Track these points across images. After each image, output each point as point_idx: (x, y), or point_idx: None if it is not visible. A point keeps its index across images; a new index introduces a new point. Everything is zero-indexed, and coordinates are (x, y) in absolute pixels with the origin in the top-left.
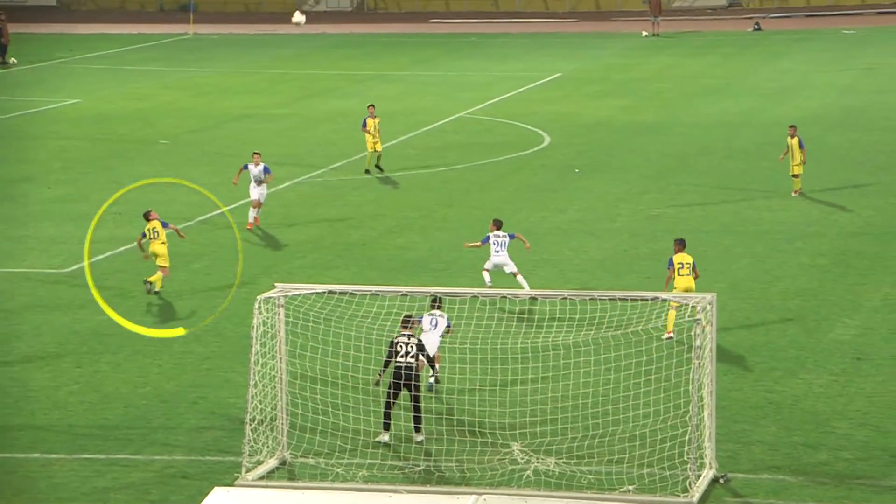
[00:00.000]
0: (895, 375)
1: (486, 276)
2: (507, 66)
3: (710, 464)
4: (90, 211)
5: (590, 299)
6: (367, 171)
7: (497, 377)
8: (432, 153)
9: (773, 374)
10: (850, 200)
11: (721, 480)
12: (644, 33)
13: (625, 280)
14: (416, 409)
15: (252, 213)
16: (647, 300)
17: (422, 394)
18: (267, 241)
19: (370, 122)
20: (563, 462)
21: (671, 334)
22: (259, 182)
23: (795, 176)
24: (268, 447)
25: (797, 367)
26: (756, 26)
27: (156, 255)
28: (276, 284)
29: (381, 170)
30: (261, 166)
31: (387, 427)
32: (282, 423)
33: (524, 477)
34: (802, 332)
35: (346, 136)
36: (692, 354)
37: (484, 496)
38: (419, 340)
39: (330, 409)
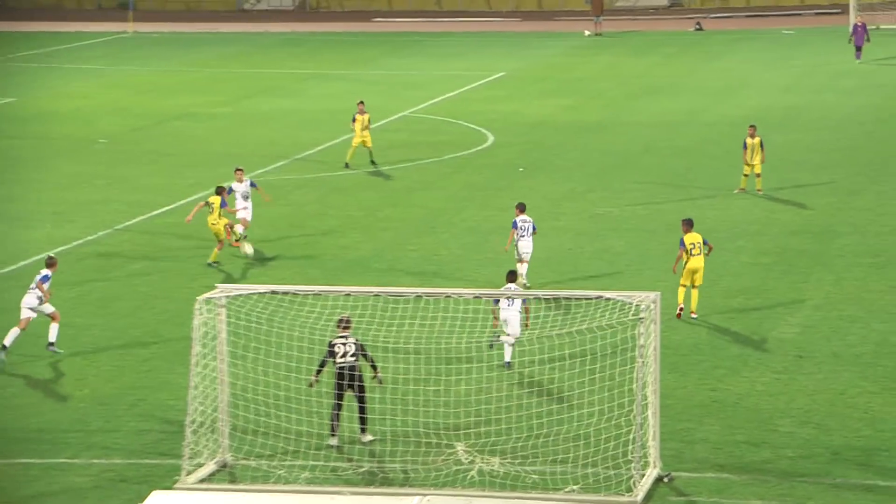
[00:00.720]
0: (836, 373)
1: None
2: (451, 65)
3: (654, 463)
4: (28, 211)
5: (534, 298)
6: (346, 165)
7: (441, 377)
8: (376, 152)
9: (716, 373)
10: (791, 199)
11: (665, 479)
12: (587, 33)
13: (569, 279)
14: (362, 410)
15: (239, 230)
16: (591, 299)
17: (366, 394)
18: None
19: (359, 118)
20: (508, 462)
21: (693, 314)
22: (246, 198)
23: (758, 175)
24: (208, 450)
25: (740, 365)
26: (697, 26)
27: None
28: (216, 285)
29: (374, 164)
30: (246, 182)
31: (334, 430)
32: (223, 426)
33: (468, 477)
34: (745, 331)
35: (287, 134)
36: (636, 353)
37: (428, 497)
38: (357, 340)
39: (272, 411)
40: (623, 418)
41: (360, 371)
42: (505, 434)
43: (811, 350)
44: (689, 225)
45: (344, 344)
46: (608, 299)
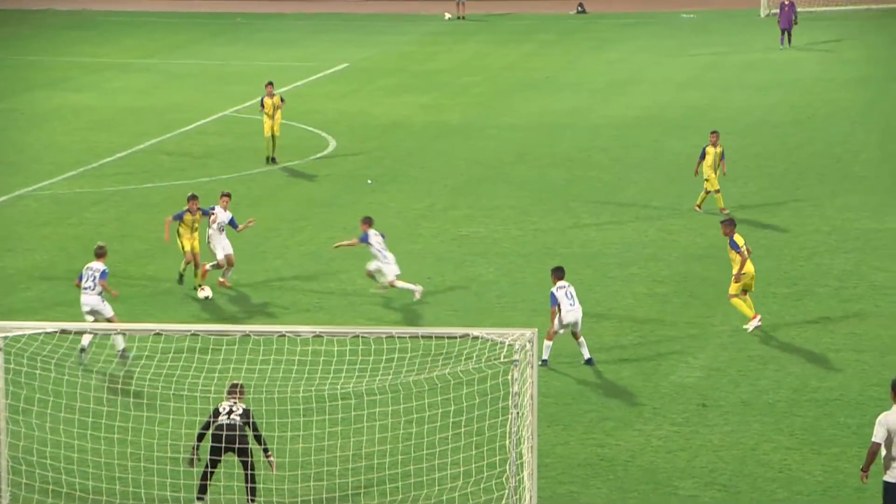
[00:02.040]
0: (745, 424)
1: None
2: (282, 54)
3: None
4: None
5: (387, 337)
6: (270, 160)
7: (274, 433)
8: (190, 161)
9: (604, 426)
10: (692, 218)
11: None
12: (447, 15)
13: (429, 314)
14: (251, 479)
15: (227, 272)
16: (455, 337)
17: (251, 459)
18: None
19: (268, 101)
20: None
21: (757, 320)
22: (222, 230)
23: (717, 191)
24: None
25: (633, 416)
26: (580, 8)
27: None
28: None
29: (274, 161)
30: (227, 214)
31: (203, 492)
32: (2, 495)
33: None
34: (639, 375)
35: (79, 138)
36: (509, 402)
37: None
38: (246, 407)
39: (63, 477)
40: (494, 481)
41: (246, 436)
42: (352, 501)
43: (716, 397)
44: (732, 225)
45: (232, 405)
46: (476, 338)
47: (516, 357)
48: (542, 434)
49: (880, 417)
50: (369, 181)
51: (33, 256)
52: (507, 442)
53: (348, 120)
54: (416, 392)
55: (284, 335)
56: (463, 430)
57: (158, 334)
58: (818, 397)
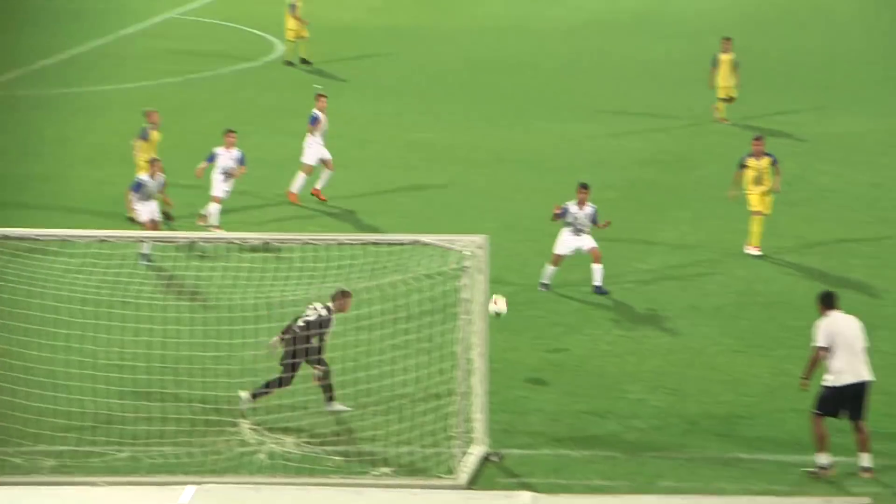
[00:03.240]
0: (693, 328)
1: None
2: None
3: (480, 439)
4: None
5: (337, 244)
6: (305, 61)
7: (222, 340)
8: (132, 64)
9: (554, 331)
10: (640, 123)
11: (493, 458)
12: None
13: (379, 221)
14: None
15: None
16: (404, 244)
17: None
18: None
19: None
20: (304, 442)
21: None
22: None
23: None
24: None
25: (582, 321)
26: None
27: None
28: None
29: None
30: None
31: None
32: None
33: (256, 461)
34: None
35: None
36: (459, 309)
37: (206, 486)
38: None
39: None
40: (444, 387)
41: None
42: (301, 408)
43: (664, 302)
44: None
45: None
46: (426, 244)
47: (467, 263)
48: (491, 340)
49: (820, 323)
50: (318, 86)
51: None
52: (457, 348)
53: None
54: (366, 299)
55: (233, 242)
56: (412, 336)
57: (104, 241)
58: (764, 301)
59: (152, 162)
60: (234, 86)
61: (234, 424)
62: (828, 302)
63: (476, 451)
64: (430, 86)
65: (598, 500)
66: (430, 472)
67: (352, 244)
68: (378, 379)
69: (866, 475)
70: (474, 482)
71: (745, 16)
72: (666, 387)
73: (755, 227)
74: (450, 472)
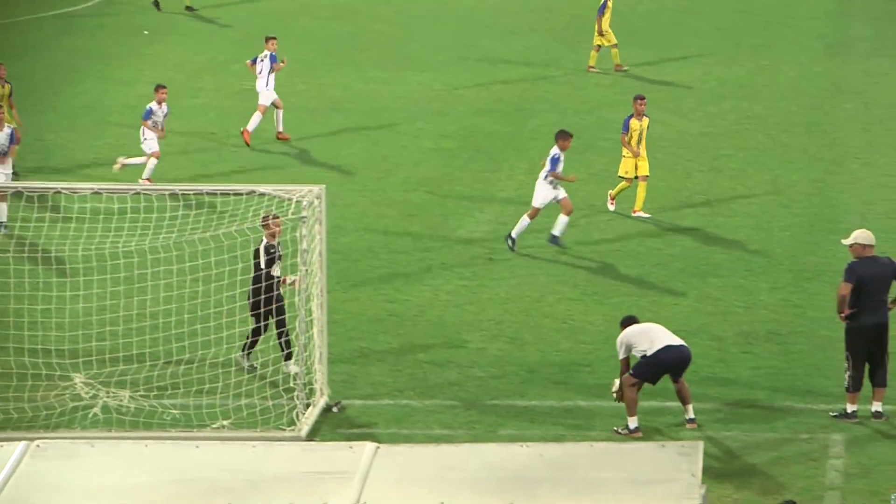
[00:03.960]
0: (531, 277)
1: None
2: None
3: (321, 390)
4: None
5: (170, 194)
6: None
7: (53, 293)
8: None
9: (394, 282)
10: (475, 70)
11: (335, 409)
12: None
13: (213, 171)
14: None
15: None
16: (241, 194)
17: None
18: None
19: None
20: (141, 395)
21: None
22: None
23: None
24: None
25: (421, 271)
26: None
27: None
28: None
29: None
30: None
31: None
32: None
33: (90, 416)
34: (427, 230)
35: None
36: (298, 260)
37: (37, 442)
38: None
39: None
40: (283, 339)
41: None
42: (137, 361)
43: (503, 251)
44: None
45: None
46: (262, 194)
47: (304, 214)
48: (331, 291)
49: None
50: (145, 32)
51: None
52: (297, 299)
53: None
54: (201, 250)
55: (60, 192)
56: (251, 288)
57: None
58: (602, 249)
59: None
60: (58, 31)
61: (67, 378)
62: (627, 322)
63: (317, 403)
64: (263, 32)
65: (440, 449)
66: (271, 425)
67: (186, 194)
68: (216, 331)
69: (691, 426)
70: (315, 434)
71: None
72: (505, 335)
73: (641, 192)
74: (291, 424)
